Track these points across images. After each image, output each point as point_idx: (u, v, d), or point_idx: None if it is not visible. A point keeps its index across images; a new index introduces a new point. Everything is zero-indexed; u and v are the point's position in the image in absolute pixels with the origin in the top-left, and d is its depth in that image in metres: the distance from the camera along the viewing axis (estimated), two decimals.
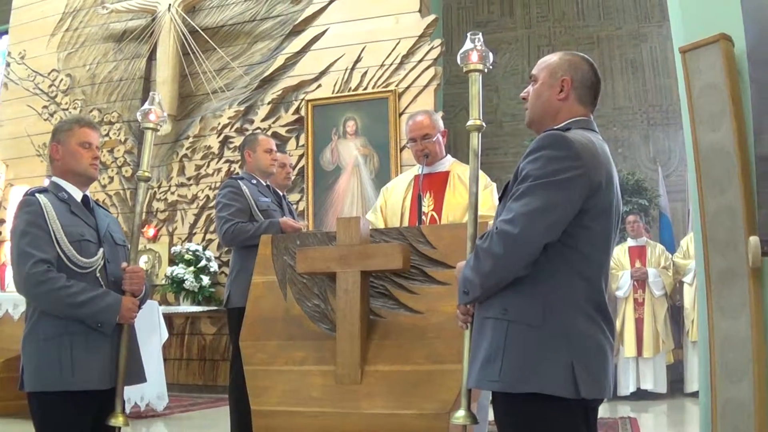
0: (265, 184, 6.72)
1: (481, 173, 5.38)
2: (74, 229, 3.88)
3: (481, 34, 3.63)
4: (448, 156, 5.78)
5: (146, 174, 4.19)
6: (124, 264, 3.98)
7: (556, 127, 3.04)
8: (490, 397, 3.41)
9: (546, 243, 2.86)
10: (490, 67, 3.61)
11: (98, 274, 3.91)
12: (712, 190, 3.60)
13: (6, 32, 15.29)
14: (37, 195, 3.91)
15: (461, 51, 3.60)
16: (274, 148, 6.85)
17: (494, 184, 5.43)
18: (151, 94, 4.33)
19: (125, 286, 3.93)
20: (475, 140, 3.53)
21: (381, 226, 5.55)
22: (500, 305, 2.96)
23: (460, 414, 3.37)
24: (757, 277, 3.45)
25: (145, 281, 4.04)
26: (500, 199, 3.12)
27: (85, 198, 4.07)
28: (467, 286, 3.05)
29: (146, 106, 4.20)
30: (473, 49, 3.56)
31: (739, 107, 3.54)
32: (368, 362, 4.11)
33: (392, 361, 4.07)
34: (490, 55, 3.60)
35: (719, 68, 3.55)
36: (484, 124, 3.56)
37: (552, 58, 3.24)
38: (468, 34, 3.62)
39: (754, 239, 3.36)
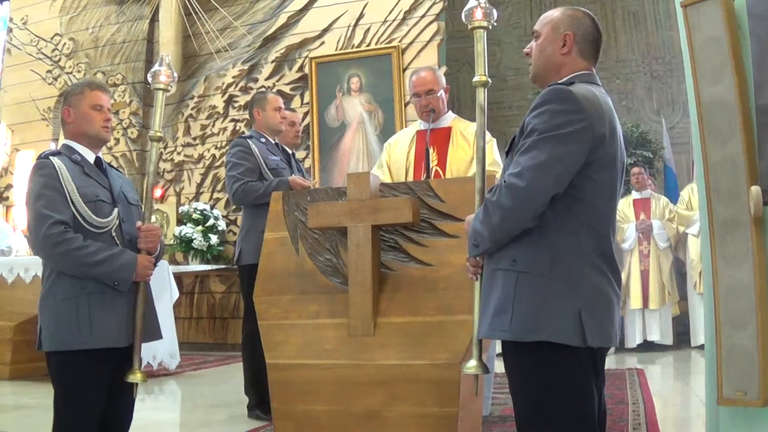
0: (273, 142, 6.76)
1: None
2: (89, 190, 3.92)
3: None
4: (450, 112, 5.84)
5: (158, 134, 4.23)
6: (139, 223, 4.02)
7: (559, 82, 3.09)
8: (498, 350, 3.47)
9: (553, 195, 2.92)
10: (494, 23, 3.65)
11: (114, 234, 3.95)
12: (714, 141, 3.64)
13: None
14: (51, 158, 3.94)
15: (465, 8, 3.62)
16: (283, 106, 6.88)
17: (494, 140, 5.50)
18: (161, 55, 4.35)
19: (140, 244, 3.97)
20: (482, 96, 3.57)
21: (388, 181, 5.60)
22: (509, 257, 3.02)
23: (472, 364, 3.43)
24: (760, 225, 3.49)
25: (160, 239, 4.10)
26: (507, 153, 3.16)
27: (98, 160, 4.11)
28: (477, 238, 3.11)
29: (156, 67, 4.23)
30: (477, 6, 3.58)
31: (739, 61, 3.57)
32: (380, 314, 4.18)
33: (404, 313, 4.15)
34: (494, 11, 3.63)
35: (719, 22, 3.58)
36: (489, 80, 3.60)
37: (554, 13, 3.28)
38: None
39: (755, 189, 3.40)
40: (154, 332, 4.17)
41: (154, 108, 4.31)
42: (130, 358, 3.96)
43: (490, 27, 3.63)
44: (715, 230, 3.64)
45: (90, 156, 4.08)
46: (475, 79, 3.57)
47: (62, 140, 4.20)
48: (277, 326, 4.39)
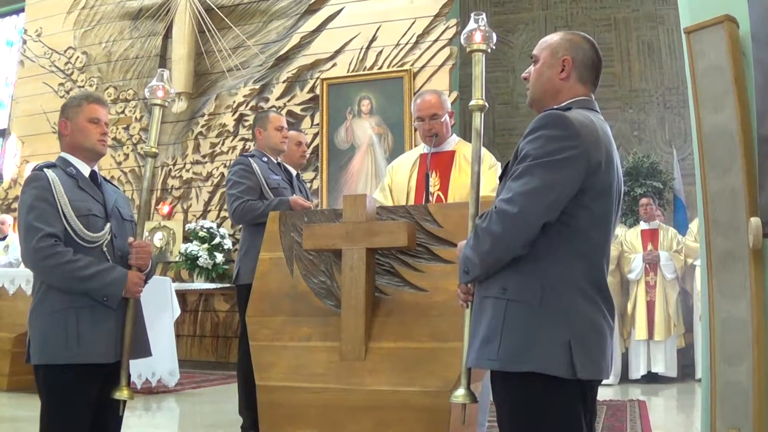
0: (276, 161, 6.74)
1: (487, 153, 5.42)
2: (82, 204, 3.90)
3: (484, 14, 3.63)
4: (454, 135, 5.78)
5: (153, 150, 4.22)
6: (131, 239, 4.00)
7: (556, 107, 3.05)
8: None
9: (545, 222, 2.86)
10: (493, 47, 3.61)
11: (105, 249, 3.93)
12: (714, 171, 3.60)
13: (22, 10, 15.36)
14: (45, 170, 3.93)
15: (464, 31, 3.60)
16: (285, 125, 6.85)
17: (499, 164, 5.44)
18: (159, 71, 4.35)
19: (131, 260, 3.94)
20: (478, 120, 3.53)
21: (389, 204, 5.56)
22: (499, 284, 2.97)
23: (460, 393, 3.38)
24: (758, 259, 3.45)
25: (151, 256, 4.07)
26: (500, 178, 3.12)
27: (93, 173, 4.09)
28: (467, 265, 3.06)
29: (154, 82, 4.22)
30: (477, 29, 3.56)
31: (742, 89, 3.53)
32: (372, 339, 4.13)
33: (396, 338, 4.10)
34: (494, 35, 3.60)
35: (723, 49, 3.54)
36: (486, 104, 3.56)
37: (553, 37, 3.24)
38: (472, 14, 3.62)
39: (755, 220, 3.36)
40: (143, 349, 4.15)
41: (150, 123, 4.30)
42: (118, 374, 3.91)
43: (489, 50, 3.59)
44: (713, 262, 3.59)
45: (85, 169, 4.06)
46: (472, 103, 3.54)
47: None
48: (268, 348, 4.34)
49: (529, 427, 2.92)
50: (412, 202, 5.50)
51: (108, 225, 3.97)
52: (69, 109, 4.09)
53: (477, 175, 3.49)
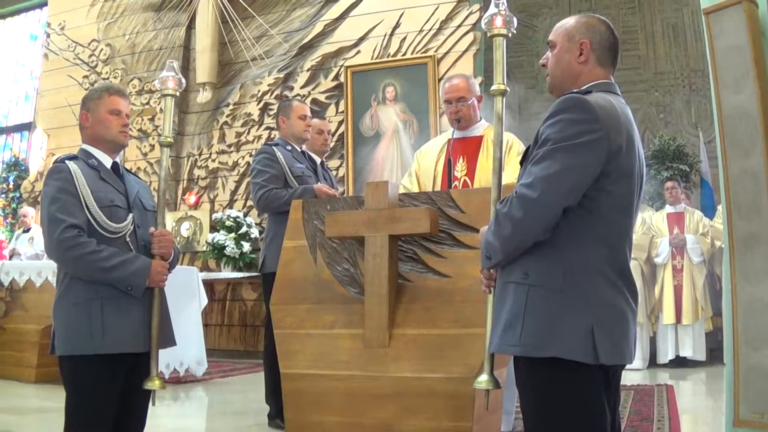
0: (300, 150, 6.75)
1: (516, 140, 5.41)
2: (104, 195, 3.91)
3: None
4: (483, 120, 5.77)
5: (168, 139, 4.25)
6: (152, 228, 4.01)
7: (576, 91, 3.03)
8: None
9: (566, 207, 2.85)
10: (514, 31, 3.59)
11: (128, 239, 3.94)
12: (735, 153, 3.56)
13: (45, 4, 15.44)
14: (66, 162, 3.93)
15: (485, 15, 3.58)
16: (309, 113, 6.84)
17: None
18: (168, 62, 4.35)
19: (154, 249, 3.96)
20: (499, 104, 3.52)
21: (416, 190, 5.56)
22: (521, 269, 2.96)
23: (483, 378, 3.38)
24: None
25: (174, 244, 4.08)
26: (521, 163, 3.11)
27: (115, 165, 4.10)
28: (489, 250, 3.06)
29: (164, 73, 4.23)
30: (497, 13, 3.53)
31: (762, 69, 3.49)
32: (396, 326, 4.14)
33: (420, 325, 4.10)
34: (515, 19, 3.58)
35: (742, 30, 3.51)
36: (508, 88, 3.55)
37: (569, 21, 3.22)
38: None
39: None
40: (167, 339, 4.15)
41: (164, 114, 4.30)
42: (143, 364, 3.93)
43: (510, 35, 3.57)
44: (735, 246, 3.56)
45: (107, 161, 4.07)
46: (493, 87, 3.53)
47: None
48: (293, 335, 4.36)
49: (552, 412, 2.90)
50: (438, 187, 5.51)
51: (130, 215, 3.98)
52: (90, 101, 4.10)
53: (499, 161, 3.48)
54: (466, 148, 5.60)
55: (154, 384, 3.92)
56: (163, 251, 3.98)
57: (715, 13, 3.65)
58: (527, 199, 2.86)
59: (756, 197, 3.48)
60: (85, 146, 4.09)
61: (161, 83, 4.22)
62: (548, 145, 2.87)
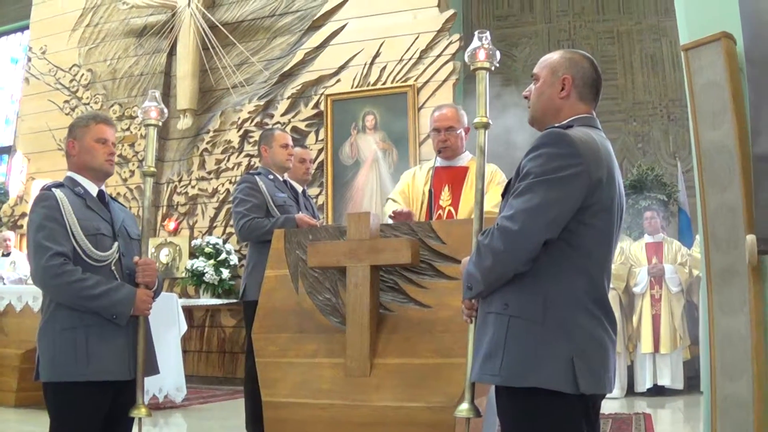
0: (282, 179, 6.77)
1: (498, 170, 5.46)
2: (90, 223, 3.94)
3: (488, 32, 3.66)
4: (467, 152, 5.82)
5: (151, 169, 4.29)
6: (136, 258, 4.04)
7: (557, 125, 3.08)
8: None
9: (546, 239, 2.89)
10: (497, 65, 3.64)
11: (113, 268, 3.97)
12: (713, 187, 3.61)
13: (27, 27, 15.44)
14: (53, 190, 3.97)
15: (468, 49, 3.64)
16: (290, 143, 6.88)
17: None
18: (150, 92, 4.39)
19: (138, 278, 3.99)
20: (482, 137, 3.57)
21: (402, 204, 5.61)
22: (501, 300, 3.00)
23: (464, 407, 3.42)
24: (757, 275, 3.46)
25: (157, 273, 4.10)
26: (503, 195, 3.15)
27: (101, 193, 4.13)
28: (470, 281, 3.10)
29: (147, 103, 4.27)
30: (480, 47, 3.60)
31: (740, 105, 3.54)
32: (377, 355, 4.16)
33: (401, 355, 4.13)
34: (497, 53, 3.64)
35: (720, 66, 3.56)
36: (490, 121, 3.60)
37: (553, 56, 3.28)
38: (476, 32, 3.65)
39: (750, 237, 3.36)
40: (151, 367, 4.18)
41: (146, 144, 4.34)
42: (127, 391, 3.97)
43: (493, 68, 3.62)
44: (712, 278, 3.61)
45: (93, 189, 4.10)
46: (476, 120, 3.58)
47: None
48: (275, 364, 4.38)
49: None
50: (425, 209, 5.53)
51: (116, 244, 4.01)
52: (76, 129, 4.13)
53: (481, 193, 3.53)
54: (451, 177, 5.65)
55: (140, 412, 3.97)
56: (148, 280, 4.01)
57: (693, 49, 3.71)
58: (508, 231, 2.90)
59: (733, 231, 3.53)
60: (72, 174, 4.12)
61: (144, 113, 4.26)
62: (530, 178, 2.92)
